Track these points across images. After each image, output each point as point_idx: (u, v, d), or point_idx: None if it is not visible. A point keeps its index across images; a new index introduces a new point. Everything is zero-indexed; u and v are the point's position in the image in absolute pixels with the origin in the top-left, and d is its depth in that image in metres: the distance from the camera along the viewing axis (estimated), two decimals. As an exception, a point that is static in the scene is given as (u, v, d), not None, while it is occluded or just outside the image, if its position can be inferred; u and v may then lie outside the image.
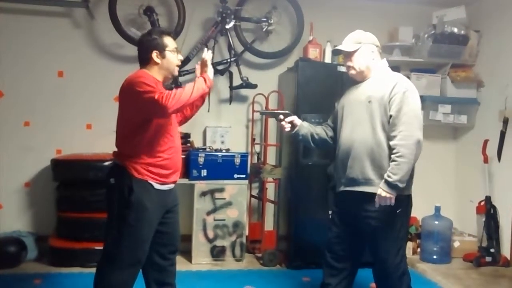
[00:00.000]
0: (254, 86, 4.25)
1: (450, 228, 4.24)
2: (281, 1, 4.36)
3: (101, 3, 4.13)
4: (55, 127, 4.16)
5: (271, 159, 4.43)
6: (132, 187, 2.32)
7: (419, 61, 4.52)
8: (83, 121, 4.22)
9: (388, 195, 2.36)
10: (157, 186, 2.38)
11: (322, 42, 4.30)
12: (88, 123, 4.23)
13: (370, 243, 2.58)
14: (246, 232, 4.17)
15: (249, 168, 4.19)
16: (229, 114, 4.42)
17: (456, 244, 4.29)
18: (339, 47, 2.63)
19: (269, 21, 4.30)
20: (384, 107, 2.45)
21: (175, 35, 4.00)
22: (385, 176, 2.37)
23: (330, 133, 2.78)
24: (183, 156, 3.70)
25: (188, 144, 4.15)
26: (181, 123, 2.74)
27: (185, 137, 4.12)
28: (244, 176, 4.04)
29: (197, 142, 4.33)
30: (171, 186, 2.49)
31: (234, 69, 4.25)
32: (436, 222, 4.18)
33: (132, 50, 4.15)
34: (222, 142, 4.34)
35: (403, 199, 2.46)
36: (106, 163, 3.66)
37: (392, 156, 2.39)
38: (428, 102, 4.40)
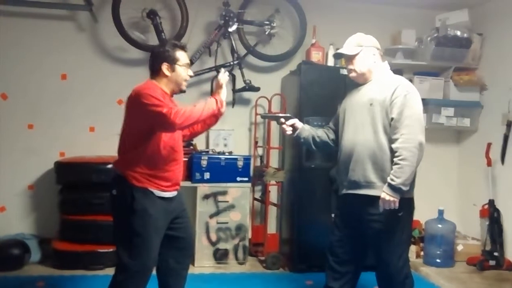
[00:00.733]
0: (257, 89, 4.26)
1: (453, 232, 4.23)
2: (284, 4, 4.37)
3: (105, 6, 4.15)
4: (59, 130, 4.17)
5: (274, 162, 4.43)
6: (134, 195, 2.34)
7: (422, 64, 4.52)
8: (86, 123, 4.23)
9: (392, 199, 2.36)
10: (158, 193, 2.40)
11: (325, 45, 4.31)
12: (91, 126, 4.24)
13: (373, 246, 2.57)
14: (249, 235, 4.17)
15: (252, 171, 4.19)
16: (232, 117, 4.42)
17: (460, 247, 4.27)
18: (340, 51, 2.64)
19: (272, 24, 4.31)
20: (385, 110, 2.45)
21: (178, 38, 4.09)
22: (388, 179, 2.37)
23: (332, 136, 2.78)
24: (186, 159, 3.70)
25: (191, 147, 4.16)
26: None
27: (188, 140, 4.13)
28: (247, 179, 4.04)
29: (200, 145, 4.33)
30: (174, 193, 2.50)
31: (237, 72, 4.25)
32: (440, 226, 4.17)
33: (135, 53, 4.21)
34: (225, 145, 4.35)
35: (406, 202, 2.46)
36: (109, 166, 3.66)
37: (395, 159, 2.38)
38: (431, 105, 4.40)
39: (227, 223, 4.00)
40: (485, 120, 4.49)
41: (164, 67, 2.42)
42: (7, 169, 4.10)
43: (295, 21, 4.46)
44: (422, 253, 4.30)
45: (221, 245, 4.00)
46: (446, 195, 4.69)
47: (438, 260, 4.13)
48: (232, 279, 3.72)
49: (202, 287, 3.50)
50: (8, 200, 4.11)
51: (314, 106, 3.90)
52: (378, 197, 2.40)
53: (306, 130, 2.77)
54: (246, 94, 4.40)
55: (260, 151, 4.46)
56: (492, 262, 4.01)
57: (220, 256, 4.00)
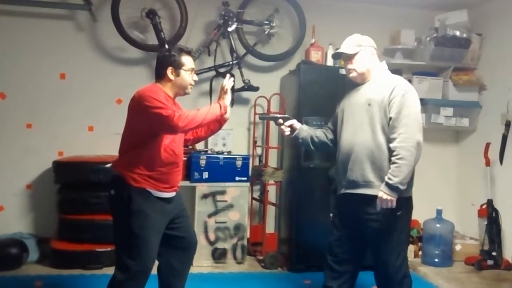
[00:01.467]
0: (256, 89, 4.26)
1: (451, 231, 4.23)
2: (283, 4, 4.37)
3: (104, 6, 4.14)
4: (57, 129, 4.17)
5: (272, 161, 4.43)
6: (131, 195, 2.35)
7: (421, 64, 4.52)
8: (85, 123, 4.23)
9: (389, 198, 2.36)
10: (155, 193, 2.41)
11: (324, 45, 4.31)
12: (90, 125, 4.24)
13: (371, 246, 2.58)
14: (248, 234, 4.17)
15: (251, 170, 4.19)
16: (231, 116, 4.34)
17: (458, 247, 4.28)
18: (339, 50, 2.65)
19: (271, 24, 4.31)
20: (384, 109, 2.45)
21: (177, 37, 4.09)
22: (386, 178, 2.37)
23: (330, 136, 2.79)
24: (184, 159, 3.70)
25: (190, 147, 4.15)
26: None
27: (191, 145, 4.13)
28: (245, 178, 4.05)
29: (198, 144, 4.30)
30: (172, 194, 2.50)
31: (236, 71, 4.25)
32: (438, 225, 4.17)
33: (134, 53, 4.21)
34: (224, 145, 4.35)
35: (404, 201, 2.46)
36: (108, 165, 3.66)
37: (393, 158, 2.39)
38: (430, 105, 4.40)
39: (225, 222, 4.00)
40: (484, 120, 4.49)
41: (169, 71, 2.43)
42: (5, 168, 4.09)
43: (294, 21, 4.46)
44: (420, 252, 4.31)
45: (220, 245, 4.00)
46: (445, 195, 4.69)
47: (436, 260, 4.13)
48: (231, 279, 3.72)
49: (201, 287, 3.50)
50: (6, 199, 4.10)
51: (313, 106, 3.90)
52: (376, 197, 2.40)
53: (304, 130, 2.77)
54: (245, 94, 4.40)
55: (259, 150, 4.46)
56: (490, 262, 4.01)
57: (218, 255, 4.00)
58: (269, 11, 4.33)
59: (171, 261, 2.58)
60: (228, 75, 2.74)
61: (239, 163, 4.02)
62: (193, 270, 3.84)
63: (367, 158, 2.47)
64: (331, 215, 2.82)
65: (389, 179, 2.36)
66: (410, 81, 4.11)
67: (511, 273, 3.97)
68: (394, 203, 2.37)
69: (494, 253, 4.02)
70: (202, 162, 3.96)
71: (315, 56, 4.28)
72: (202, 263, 3.94)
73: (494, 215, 4.11)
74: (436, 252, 4.14)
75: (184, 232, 2.60)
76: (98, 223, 3.70)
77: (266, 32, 4.33)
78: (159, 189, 2.41)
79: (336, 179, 2.70)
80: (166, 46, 3.95)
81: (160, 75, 2.47)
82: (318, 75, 3.98)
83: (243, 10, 4.25)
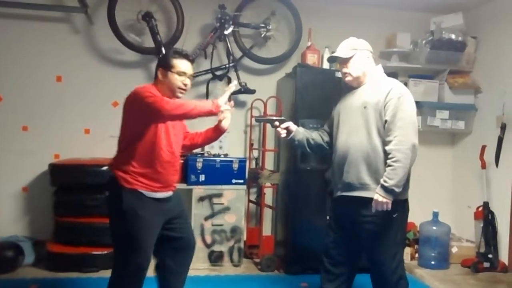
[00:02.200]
0: (252, 92, 4.26)
1: (448, 234, 4.24)
2: (279, 7, 4.38)
3: (100, 8, 4.14)
4: (53, 132, 4.16)
5: (269, 164, 4.43)
6: (122, 197, 2.35)
7: (417, 67, 4.54)
8: (81, 126, 4.22)
9: (384, 200, 2.37)
10: (148, 194, 2.41)
11: (321, 48, 4.32)
12: (86, 128, 4.23)
13: (367, 248, 2.58)
14: (244, 237, 4.16)
15: (247, 173, 4.19)
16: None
17: (454, 249, 4.29)
18: (334, 54, 2.65)
19: (268, 27, 4.31)
20: (379, 112, 2.46)
21: (173, 40, 4.09)
22: (381, 181, 2.38)
23: (326, 138, 2.79)
24: (181, 161, 3.70)
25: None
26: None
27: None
28: (242, 181, 4.04)
29: (195, 147, 4.32)
30: (167, 194, 2.50)
31: (232, 74, 4.26)
32: (434, 228, 4.18)
33: (130, 56, 4.21)
34: (220, 147, 4.34)
35: (400, 203, 2.47)
36: (104, 168, 3.67)
37: (388, 161, 2.40)
38: (426, 108, 4.42)
39: (222, 225, 3.99)
40: (479, 123, 4.51)
41: (159, 72, 2.46)
42: (1, 171, 4.08)
43: (290, 24, 4.47)
44: (416, 255, 4.31)
45: (216, 247, 3.99)
46: (441, 198, 4.70)
47: (432, 262, 4.14)
48: (227, 282, 3.71)
49: (197, 290, 3.50)
50: (2, 202, 4.09)
51: (310, 109, 3.91)
52: (372, 199, 2.41)
53: (300, 132, 2.78)
54: (242, 97, 4.40)
55: (255, 153, 4.47)
56: (486, 264, 4.02)
57: (215, 258, 3.99)
58: (266, 14, 4.34)
59: (168, 262, 2.58)
60: (234, 81, 2.79)
61: (235, 165, 4.02)
62: (190, 273, 3.78)
63: (362, 161, 2.48)
64: (328, 217, 2.82)
65: (385, 181, 2.36)
66: (406, 84, 4.12)
67: (507, 275, 3.98)
68: (390, 206, 2.38)
69: (490, 256, 4.03)
70: (199, 165, 3.95)
71: (311, 59, 4.29)
72: (198, 265, 3.93)
73: (490, 218, 4.12)
74: (433, 254, 4.15)
75: (181, 233, 2.59)
76: (94, 226, 3.69)
77: (262, 35, 4.34)
78: (152, 189, 2.41)
79: (332, 181, 2.70)
80: (163, 49, 3.96)
81: (154, 76, 2.51)
82: (314, 78, 3.99)
83: (240, 13, 4.25)
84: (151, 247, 2.45)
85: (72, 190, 3.84)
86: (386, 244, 2.50)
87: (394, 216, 2.44)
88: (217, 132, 2.68)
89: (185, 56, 2.48)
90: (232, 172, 4.02)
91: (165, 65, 2.44)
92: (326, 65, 4.25)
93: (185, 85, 2.46)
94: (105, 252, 3.63)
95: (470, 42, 4.48)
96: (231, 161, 4.04)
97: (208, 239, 3.97)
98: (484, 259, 4.03)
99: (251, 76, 4.47)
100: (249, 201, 4.41)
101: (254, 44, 4.41)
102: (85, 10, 4.06)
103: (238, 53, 4.33)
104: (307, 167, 3.92)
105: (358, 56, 2.57)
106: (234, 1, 4.26)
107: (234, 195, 4.02)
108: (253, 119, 4.37)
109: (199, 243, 3.94)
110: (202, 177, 3.96)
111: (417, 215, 4.12)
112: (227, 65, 4.25)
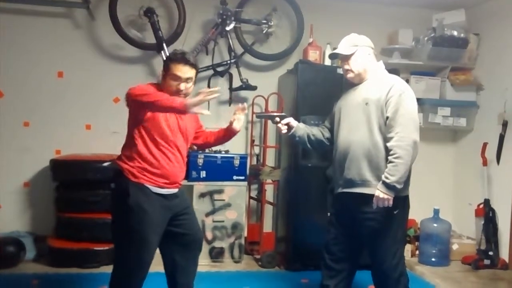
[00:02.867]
0: (253, 88, 4.26)
1: (448, 231, 4.24)
2: (281, 3, 4.37)
3: (102, 4, 4.14)
4: (55, 128, 4.16)
5: (270, 160, 4.43)
6: (129, 191, 2.35)
7: (419, 64, 4.53)
8: (83, 121, 4.22)
9: (385, 196, 2.37)
10: (154, 189, 2.40)
11: (322, 45, 4.31)
12: (88, 124, 4.23)
13: (368, 245, 2.58)
14: (245, 233, 4.17)
15: (248, 169, 4.19)
16: (228, 115, 4.31)
17: (455, 246, 4.29)
18: (336, 51, 2.65)
19: (269, 23, 4.31)
20: (380, 109, 2.46)
21: (175, 36, 4.08)
22: (383, 177, 2.38)
23: (327, 134, 2.79)
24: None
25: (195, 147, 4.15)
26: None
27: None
28: (243, 177, 4.05)
29: (196, 143, 4.33)
30: (172, 191, 2.49)
31: (234, 70, 4.26)
32: (435, 225, 4.18)
33: (131, 52, 4.20)
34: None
35: (400, 200, 2.47)
36: (105, 164, 3.67)
37: (389, 157, 2.40)
38: (427, 105, 4.41)
39: (223, 221, 4.00)
40: (481, 120, 4.50)
41: (162, 73, 2.48)
42: (2, 166, 4.08)
43: (292, 20, 4.46)
44: (417, 252, 4.31)
45: (217, 244, 4.00)
46: (442, 195, 4.70)
47: (433, 259, 4.14)
48: (228, 278, 3.72)
49: (198, 285, 3.46)
50: (4, 197, 4.10)
51: (311, 105, 3.90)
52: (373, 196, 2.41)
53: (301, 128, 2.77)
54: (243, 93, 4.40)
55: (256, 149, 4.47)
56: (487, 261, 4.02)
57: (215, 254, 4.00)
58: (267, 10, 4.33)
59: (174, 258, 2.58)
60: (245, 104, 2.83)
61: (236, 162, 4.02)
62: (190, 269, 3.85)
63: (364, 157, 2.47)
64: (329, 214, 2.82)
65: (386, 178, 2.36)
66: (407, 81, 4.13)
67: (508, 272, 3.98)
68: (391, 202, 2.38)
69: (490, 253, 4.03)
70: (200, 161, 3.96)
71: (313, 56, 4.28)
72: (199, 262, 3.92)
73: (491, 215, 4.12)
74: (433, 251, 4.15)
75: (187, 229, 2.59)
76: (95, 222, 3.70)
77: (264, 31, 4.33)
78: (158, 184, 2.41)
79: (333, 178, 2.70)
80: (164, 45, 3.96)
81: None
82: (316, 75, 3.98)
83: (241, 9, 4.24)
84: (156, 243, 2.44)
85: (73, 186, 3.85)
86: (387, 241, 2.50)
87: (395, 212, 2.44)
88: (229, 133, 2.70)
89: (181, 59, 2.38)
90: (233, 168, 4.02)
91: (164, 68, 2.46)
92: (327, 62, 4.24)
93: (180, 89, 2.38)
94: (107, 247, 3.63)
95: (472, 39, 4.47)
96: (232, 157, 4.04)
97: (209, 235, 3.98)
98: (485, 256, 4.04)
99: (253, 72, 4.46)
100: (250, 197, 4.42)
101: (255, 40, 4.40)
102: (87, 6, 4.06)
103: (239, 49, 4.33)
104: (308, 163, 3.92)
105: (360, 52, 2.56)
106: (235, -3, 4.26)
107: (235, 192, 4.02)
108: (254, 115, 4.37)
109: (200, 239, 3.95)
110: (203, 173, 3.96)
111: (418, 212, 4.11)
112: (228, 61, 4.24)
